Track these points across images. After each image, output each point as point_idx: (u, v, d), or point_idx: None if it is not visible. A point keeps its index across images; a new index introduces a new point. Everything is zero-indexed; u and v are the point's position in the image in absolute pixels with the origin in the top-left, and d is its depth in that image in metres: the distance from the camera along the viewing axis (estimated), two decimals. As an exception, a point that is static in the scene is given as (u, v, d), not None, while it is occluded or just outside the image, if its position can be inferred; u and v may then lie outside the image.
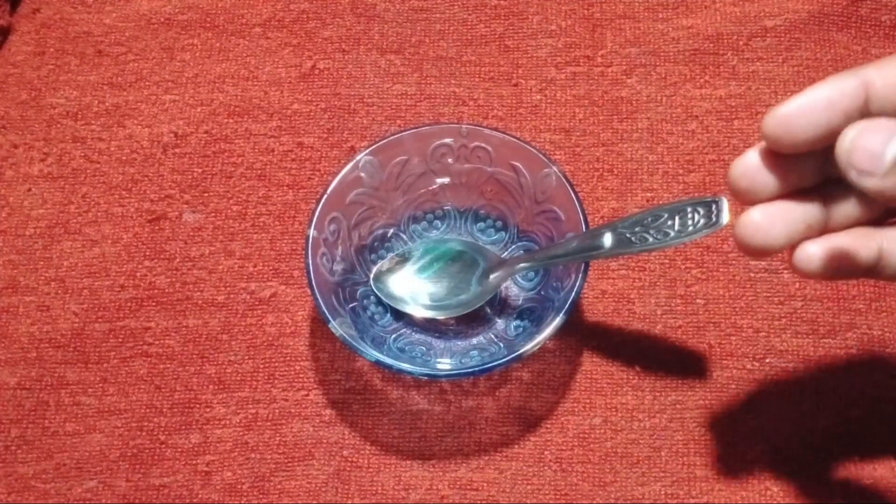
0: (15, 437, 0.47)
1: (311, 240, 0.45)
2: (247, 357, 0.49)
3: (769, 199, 0.36)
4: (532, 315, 0.47)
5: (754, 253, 0.36)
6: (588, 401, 0.47)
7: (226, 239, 0.51)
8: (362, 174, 0.48)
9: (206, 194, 0.53)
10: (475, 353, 0.47)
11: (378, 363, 0.43)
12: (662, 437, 0.46)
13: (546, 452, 0.46)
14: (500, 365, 0.43)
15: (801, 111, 0.34)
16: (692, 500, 0.45)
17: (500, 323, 0.48)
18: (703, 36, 0.55)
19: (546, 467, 0.46)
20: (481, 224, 0.50)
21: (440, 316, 0.48)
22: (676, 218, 0.42)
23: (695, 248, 0.50)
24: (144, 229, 0.52)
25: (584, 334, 0.48)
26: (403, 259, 0.49)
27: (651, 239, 0.42)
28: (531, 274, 0.49)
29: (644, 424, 0.46)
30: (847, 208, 0.37)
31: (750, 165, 0.36)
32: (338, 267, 0.47)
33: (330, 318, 0.43)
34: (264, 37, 0.57)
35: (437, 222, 0.51)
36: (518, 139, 0.48)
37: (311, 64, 0.56)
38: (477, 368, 0.43)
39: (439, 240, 0.50)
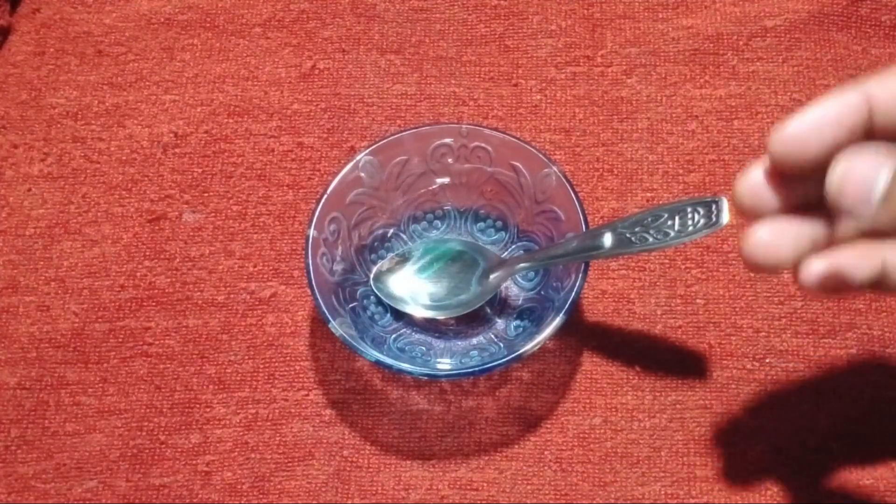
0: (15, 437, 0.47)
1: (311, 240, 0.45)
2: (247, 357, 0.49)
3: (773, 213, 0.36)
4: (532, 315, 0.47)
5: (762, 271, 0.36)
6: (588, 401, 0.47)
7: (226, 239, 0.51)
8: (362, 174, 0.48)
9: (206, 194, 0.53)
10: (475, 353, 0.47)
11: (378, 363, 0.43)
12: (662, 437, 0.46)
13: (546, 452, 0.46)
14: (500, 365, 0.43)
15: (807, 131, 0.34)
16: (692, 500, 0.45)
17: (500, 323, 0.48)
18: (703, 36, 0.55)
19: (546, 467, 0.46)
20: (481, 224, 0.50)
21: (440, 316, 0.48)
22: (676, 218, 0.42)
23: (695, 248, 0.50)
24: (144, 229, 0.52)
25: (584, 334, 0.48)
26: (403, 259, 0.49)
27: (651, 239, 0.42)
28: (531, 274, 0.49)
29: (644, 424, 0.46)
30: (850, 221, 0.36)
31: (755, 183, 0.36)
32: (338, 267, 0.47)
33: (330, 318, 0.43)
34: (264, 37, 0.57)
35: (437, 222, 0.51)
36: (518, 139, 0.48)
37: (311, 64, 0.56)
38: (477, 368, 0.43)
39: (439, 240, 0.50)
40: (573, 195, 0.46)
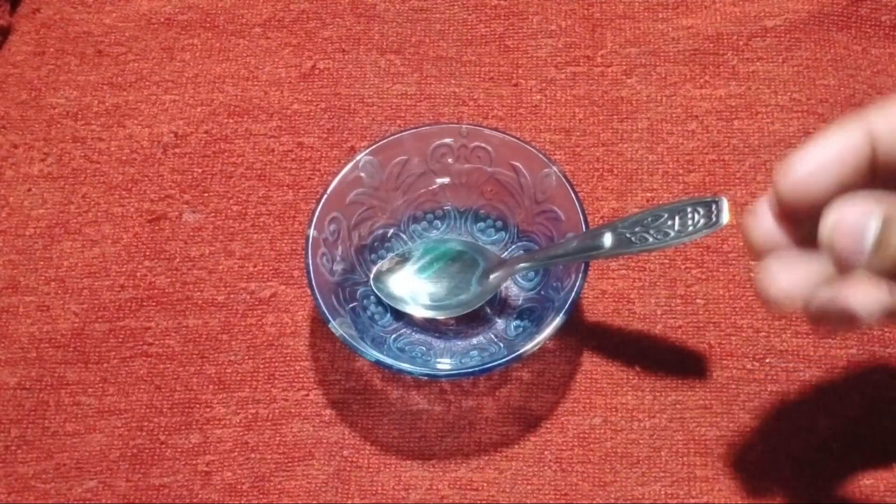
0: (15, 437, 0.47)
1: (311, 240, 0.45)
2: (247, 357, 0.49)
3: (785, 248, 0.36)
4: (532, 315, 0.47)
5: (777, 307, 0.37)
6: (588, 401, 0.47)
7: (226, 239, 0.51)
8: (362, 174, 0.48)
9: (206, 194, 0.53)
10: (475, 353, 0.47)
11: (378, 363, 0.43)
12: (662, 437, 0.46)
13: (546, 452, 0.46)
14: (500, 365, 0.43)
15: (811, 173, 0.34)
16: (692, 500, 0.45)
17: (500, 323, 0.48)
18: (703, 36, 0.55)
19: (546, 467, 0.46)
20: (481, 224, 0.50)
21: (440, 316, 0.48)
22: (676, 218, 0.42)
23: (695, 248, 0.50)
24: (144, 229, 0.52)
25: (584, 334, 0.48)
26: (403, 259, 0.49)
27: (651, 239, 0.42)
28: (531, 274, 0.49)
29: (644, 424, 0.46)
30: (845, 269, 0.36)
31: (763, 221, 0.36)
32: (338, 267, 0.47)
33: (330, 318, 0.43)
34: (264, 37, 0.57)
35: (437, 222, 0.51)
36: (518, 139, 0.48)
37: (311, 64, 0.56)
38: (477, 368, 0.43)
39: (439, 240, 0.50)
40: (573, 195, 0.46)
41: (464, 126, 0.48)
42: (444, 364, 0.47)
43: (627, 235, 0.43)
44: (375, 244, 0.50)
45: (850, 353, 0.47)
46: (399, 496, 0.45)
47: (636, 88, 0.54)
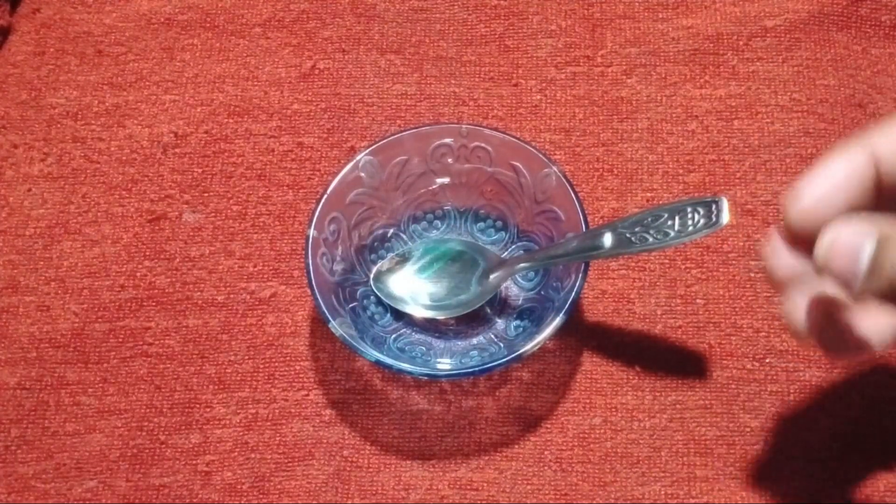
0: (15, 437, 0.47)
1: (311, 240, 0.45)
2: (247, 357, 0.49)
3: (804, 275, 0.36)
4: (532, 315, 0.47)
5: (805, 337, 0.37)
6: (588, 401, 0.47)
7: (226, 239, 0.51)
8: (362, 174, 0.48)
9: (206, 194, 0.53)
10: (475, 353, 0.47)
11: (378, 363, 0.43)
12: (662, 437, 0.46)
13: (546, 452, 0.46)
14: (500, 365, 0.43)
15: (818, 200, 0.35)
16: (692, 500, 0.45)
17: (500, 323, 0.48)
18: (703, 36, 0.55)
19: (546, 467, 0.46)
20: (481, 224, 0.50)
21: (440, 316, 0.48)
22: (676, 218, 0.42)
23: (695, 248, 0.50)
24: (144, 229, 0.52)
25: (584, 334, 0.48)
26: (403, 259, 0.49)
27: (651, 239, 0.42)
28: (531, 274, 0.49)
29: (644, 424, 0.46)
30: (842, 292, 0.37)
31: (782, 257, 0.36)
32: (338, 267, 0.47)
33: (330, 318, 0.43)
34: (264, 37, 0.57)
35: (437, 222, 0.51)
36: (518, 139, 0.48)
37: (311, 64, 0.56)
38: (477, 368, 0.43)
39: (439, 240, 0.50)
40: (573, 195, 0.46)
41: (464, 126, 0.48)
42: (444, 364, 0.47)
43: (627, 235, 0.43)
44: (375, 244, 0.50)
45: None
46: (399, 496, 0.45)
47: (636, 88, 0.54)
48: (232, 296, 0.50)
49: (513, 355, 0.43)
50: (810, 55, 0.54)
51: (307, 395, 0.48)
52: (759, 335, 0.48)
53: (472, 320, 0.48)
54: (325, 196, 0.46)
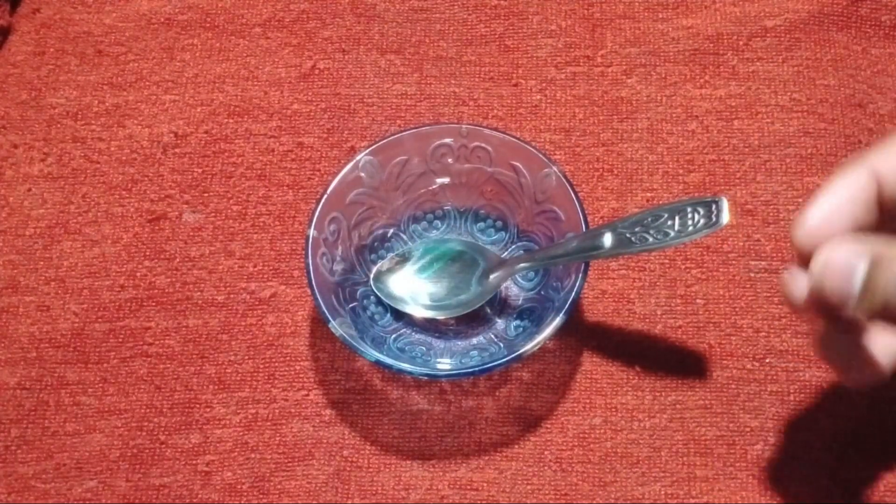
0: (15, 437, 0.47)
1: (311, 240, 0.45)
2: (247, 357, 0.48)
3: None
4: (532, 315, 0.47)
5: (833, 363, 0.39)
6: (588, 401, 0.47)
7: (226, 239, 0.51)
8: (362, 174, 0.48)
9: (206, 194, 0.53)
10: (475, 353, 0.47)
11: (378, 363, 0.43)
12: (662, 437, 0.46)
13: (546, 452, 0.46)
14: (500, 365, 0.43)
15: (824, 222, 0.35)
16: (692, 500, 0.45)
17: (500, 323, 0.48)
18: (703, 36, 0.55)
19: (546, 467, 0.46)
20: (481, 224, 0.50)
21: (440, 316, 0.48)
22: (676, 218, 0.42)
23: (695, 248, 0.50)
24: (144, 229, 0.52)
25: (584, 334, 0.48)
26: (403, 259, 0.49)
27: (651, 239, 0.42)
28: (531, 274, 0.49)
29: (644, 424, 0.46)
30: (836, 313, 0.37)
31: (799, 284, 0.37)
32: (338, 267, 0.47)
33: (330, 318, 0.43)
34: (264, 37, 0.57)
35: (437, 222, 0.51)
36: (518, 139, 0.48)
37: (311, 64, 0.56)
38: (477, 368, 0.43)
39: (439, 240, 0.50)
40: (573, 195, 0.46)
41: (464, 126, 0.48)
42: (444, 364, 0.47)
43: (627, 235, 0.43)
44: (375, 244, 0.50)
45: (850, 353, 0.47)
46: (399, 496, 0.45)
47: (636, 88, 0.54)
48: (232, 296, 0.50)
49: (513, 355, 0.43)
50: (810, 55, 0.54)
51: (307, 395, 0.48)
52: (759, 335, 0.48)
53: (472, 320, 0.48)
54: (325, 196, 0.46)
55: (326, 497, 0.45)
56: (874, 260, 0.33)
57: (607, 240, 0.43)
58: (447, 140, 0.48)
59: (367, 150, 0.48)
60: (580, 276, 0.44)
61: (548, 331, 0.43)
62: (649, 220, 0.42)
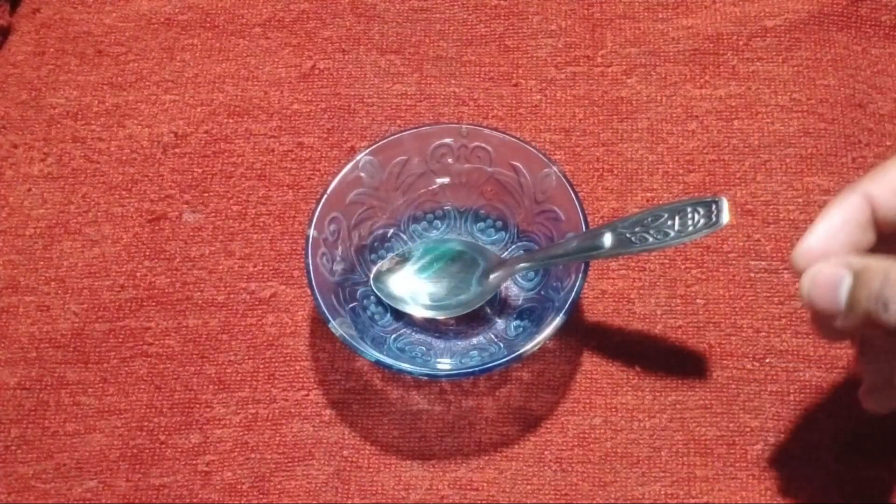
0: (15, 437, 0.47)
1: (311, 240, 0.45)
2: (247, 357, 0.48)
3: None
4: (532, 315, 0.47)
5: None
6: (588, 401, 0.47)
7: (226, 239, 0.51)
8: (362, 174, 0.48)
9: (206, 194, 0.53)
10: (475, 353, 0.47)
11: (378, 363, 0.43)
12: (662, 437, 0.46)
13: (546, 452, 0.46)
14: (500, 365, 0.43)
15: (821, 246, 0.37)
16: (692, 500, 0.45)
17: (500, 323, 0.48)
18: (703, 36, 0.55)
19: (546, 467, 0.46)
20: (481, 224, 0.50)
21: (440, 316, 0.48)
22: (676, 218, 0.42)
23: (695, 248, 0.50)
24: (144, 229, 0.52)
25: (584, 334, 0.48)
26: (403, 259, 0.49)
27: (651, 239, 0.42)
28: (531, 274, 0.49)
29: (644, 424, 0.46)
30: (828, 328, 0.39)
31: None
32: (338, 267, 0.47)
33: (330, 318, 0.43)
34: (264, 37, 0.57)
35: (437, 222, 0.51)
36: (518, 139, 0.48)
37: (311, 64, 0.56)
38: (477, 368, 0.43)
39: (439, 240, 0.50)
40: (573, 195, 0.46)
41: (464, 126, 0.48)
42: (444, 364, 0.47)
43: (627, 235, 0.43)
44: (375, 244, 0.50)
45: (850, 353, 0.47)
46: (399, 496, 0.45)
47: (636, 88, 0.54)
48: (232, 296, 0.50)
49: (513, 355, 0.43)
50: (810, 55, 0.54)
51: (307, 395, 0.48)
52: (759, 335, 0.48)
53: (472, 320, 0.48)
54: (325, 196, 0.46)
55: (326, 497, 0.45)
56: (857, 273, 0.35)
57: (607, 240, 0.43)
58: (447, 140, 0.48)
59: (367, 150, 0.48)
60: (580, 276, 0.44)
61: (548, 331, 0.43)
62: (649, 220, 0.42)
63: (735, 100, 0.53)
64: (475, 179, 0.49)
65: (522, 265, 0.47)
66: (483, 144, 0.48)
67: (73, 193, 0.53)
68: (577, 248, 0.44)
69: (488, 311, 0.48)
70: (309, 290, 0.44)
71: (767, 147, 0.52)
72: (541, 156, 0.47)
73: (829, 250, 0.36)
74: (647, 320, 0.48)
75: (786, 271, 0.49)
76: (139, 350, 0.49)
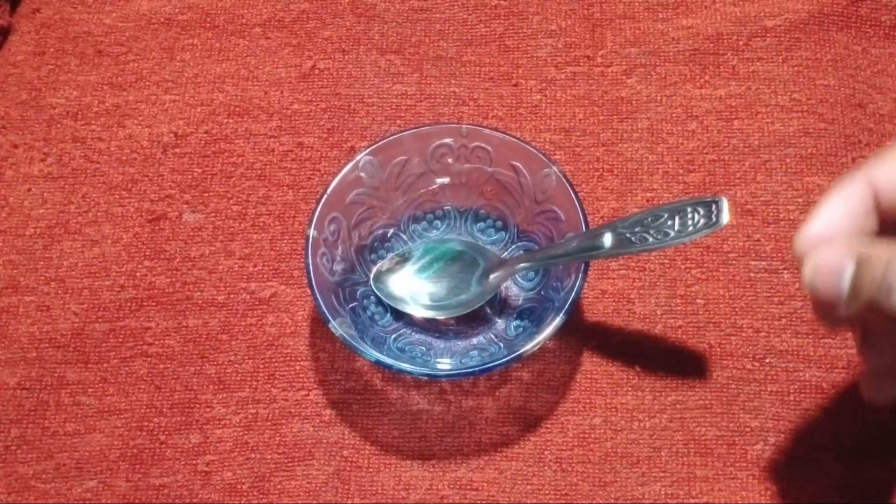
0: (15, 437, 0.47)
1: (311, 240, 0.45)
2: (247, 357, 0.49)
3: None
4: (532, 315, 0.47)
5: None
6: (588, 401, 0.47)
7: (226, 239, 0.51)
8: (362, 174, 0.48)
9: (206, 194, 0.53)
10: (475, 353, 0.47)
11: (378, 363, 0.43)
12: (662, 437, 0.46)
13: (546, 452, 0.46)
14: (500, 365, 0.43)
15: (823, 230, 0.36)
16: (692, 500, 0.45)
17: (500, 323, 0.48)
18: (703, 36, 0.55)
19: (546, 467, 0.46)
20: (481, 224, 0.50)
21: (440, 316, 0.48)
22: (676, 218, 0.42)
23: (695, 248, 0.50)
24: (144, 229, 0.52)
25: (584, 334, 0.48)
26: (403, 259, 0.49)
27: (651, 239, 0.42)
28: (531, 274, 0.49)
29: (644, 424, 0.46)
30: (829, 315, 0.38)
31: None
32: (338, 267, 0.47)
33: (330, 318, 0.43)
34: (264, 37, 0.57)
35: (437, 222, 0.51)
36: (518, 139, 0.48)
37: (311, 64, 0.56)
38: (477, 368, 0.43)
39: (439, 240, 0.50)
40: (573, 195, 0.46)
41: (464, 126, 0.48)
42: (444, 364, 0.47)
43: (627, 235, 0.43)
44: (375, 244, 0.50)
45: (850, 353, 0.47)
46: (399, 496, 0.45)
47: (636, 88, 0.54)
48: (232, 296, 0.50)
49: (513, 355, 0.43)
50: (810, 55, 0.54)
51: (307, 395, 0.48)
52: (759, 335, 0.48)
53: (472, 320, 0.48)
54: (325, 196, 0.46)
55: (326, 497, 0.45)
56: (859, 261, 0.34)
57: (607, 240, 0.43)
58: (447, 140, 0.48)
59: (367, 150, 0.48)
60: (580, 276, 0.44)
61: (548, 331, 0.43)
62: (649, 220, 0.42)
63: (735, 100, 0.53)
64: (475, 179, 0.49)
65: (522, 265, 0.47)
66: (483, 144, 0.48)
67: (73, 193, 0.53)
68: (577, 248, 0.44)
69: (488, 311, 0.48)
70: (309, 290, 0.44)
71: (767, 147, 0.52)
72: (541, 156, 0.47)
73: (831, 236, 0.36)
74: (647, 320, 0.48)
75: (786, 271, 0.49)
76: (139, 350, 0.49)
